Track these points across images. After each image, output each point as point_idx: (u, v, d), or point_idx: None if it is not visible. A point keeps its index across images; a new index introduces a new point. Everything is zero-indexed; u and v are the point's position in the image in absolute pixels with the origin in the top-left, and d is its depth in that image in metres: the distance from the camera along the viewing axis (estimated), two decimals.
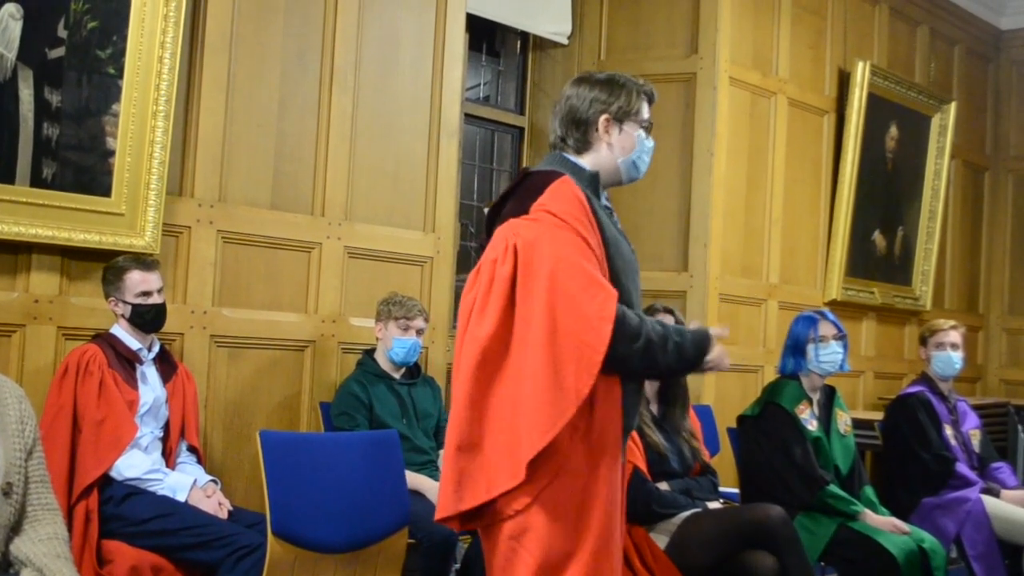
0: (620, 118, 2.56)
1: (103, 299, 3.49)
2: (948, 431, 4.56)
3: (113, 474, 3.29)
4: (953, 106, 7.02)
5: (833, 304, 6.15)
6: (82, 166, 3.55)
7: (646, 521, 3.44)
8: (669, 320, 4.08)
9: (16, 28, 3.39)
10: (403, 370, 4.11)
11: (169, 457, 3.49)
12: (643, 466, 3.51)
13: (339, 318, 4.31)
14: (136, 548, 3.19)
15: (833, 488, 3.90)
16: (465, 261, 5.38)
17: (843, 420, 4.14)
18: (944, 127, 7.01)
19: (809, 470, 3.90)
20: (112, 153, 3.61)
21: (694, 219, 5.53)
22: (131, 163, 3.63)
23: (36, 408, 2.73)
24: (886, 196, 6.68)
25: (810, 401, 4.06)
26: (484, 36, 5.79)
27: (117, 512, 3.24)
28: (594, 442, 2.35)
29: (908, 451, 4.51)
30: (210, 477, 3.53)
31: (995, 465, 4.68)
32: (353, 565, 3.36)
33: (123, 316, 3.45)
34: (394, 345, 4.01)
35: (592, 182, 2.55)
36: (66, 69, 3.50)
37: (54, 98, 3.48)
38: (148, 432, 3.42)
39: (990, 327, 7.82)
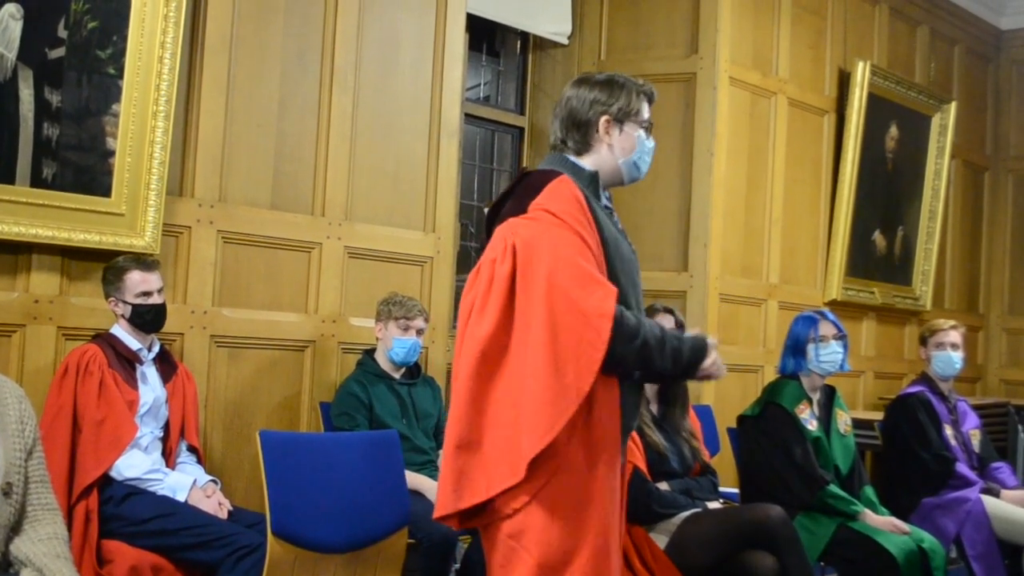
0: (620, 119, 2.57)
1: (103, 299, 3.49)
2: (948, 431, 4.56)
3: (113, 474, 3.29)
4: (953, 106, 7.03)
5: (833, 304, 6.15)
6: (82, 166, 3.55)
7: (646, 521, 3.44)
8: (669, 320, 4.09)
9: (16, 28, 3.39)
10: (403, 370, 4.11)
11: (169, 457, 3.49)
12: (643, 466, 3.51)
13: (339, 318, 4.31)
14: (136, 548, 3.19)
15: (833, 488, 3.90)
16: (465, 261, 5.38)
17: (843, 420, 4.14)
18: (944, 127, 7.01)
19: (809, 470, 3.90)
20: (112, 153, 3.61)
21: (694, 219, 5.53)
22: (131, 163, 3.63)
23: (36, 408, 2.73)
24: (886, 196, 6.68)
25: (810, 401, 4.06)
26: (484, 36, 5.79)
27: (117, 512, 3.24)
28: (592, 441, 2.36)
29: (908, 451, 4.51)
30: (210, 477, 3.53)
31: (995, 465, 4.68)
32: (353, 565, 3.36)
33: (123, 316, 3.45)
34: (394, 345, 4.01)
35: (592, 182, 2.55)
36: (66, 69, 3.50)
37: (54, 98, 3.48)
38: (148, 432, 3.42)
39: (990, 327, 7.82)
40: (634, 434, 3.36)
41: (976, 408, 5.01)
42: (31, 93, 3.43)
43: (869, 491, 4.09)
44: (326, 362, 4.26)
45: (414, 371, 4.16)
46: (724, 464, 4.65)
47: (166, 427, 3.50)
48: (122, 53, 3.61)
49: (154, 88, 3.66)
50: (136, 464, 3.32)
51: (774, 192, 5.95)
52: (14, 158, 3.40)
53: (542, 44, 5.96)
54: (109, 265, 3.50)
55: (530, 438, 2.29)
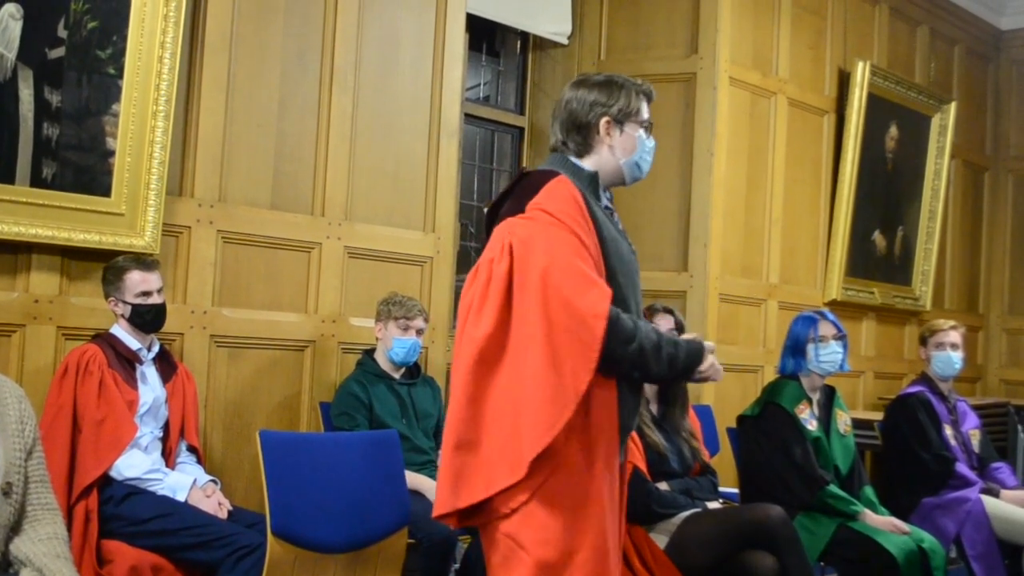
0: (621, 120, 2.58)
1: (103, 299, 3.49)
2: (948, 431, 4.56)
3: (113, 474, 3.29)
4: (953, 106, 7.03)
5: (833, 304, 6.15)
6: (82, 166, 3.55)
7: (646, 521, 3.44)
8: (669, 320, 4.09)
9: (16, 28, 3.39)
10: (403, 370, 4.11)
11: (169, 457, 3.49)
12: (643, 466, 3.51)
13: (339, 318, 4.31)
14: (136, 548, 3.19)
15: (833, 488, 3.90)
16: (465, 261, 5.38)
17: (843, 420, 4.14)
18: (944, 127, 7.01)
19: (809, 470, 3.90)
20: (112, 153, 3.61)
21: (694, 219, 5.53)
22: (131, 163, 3.63)
23: (36, 408, 2.74)
24: (886, 196, 6.68)
25: (810, 401, 4.06)
26: (484, 36, 5.79)
27: (117, 512, 3.24)
28: (590, 441, 2.36)
29: (908, 451, 4.51)
30: (210, 477, 3.53)
31: (995, 465, 4.68)
32: (353, 565, 3.36)
33: (123, 316, 3.45)
34: (394, 345, 4.01)
35: (592, 183, 2.56)
36: (66, 69, 3.50)
37: (54, 98, 3.48)
38: (148, 432, 3.42)
39: (990, 327, 7.82)
40: (634, 434, 3.35)
41: (976, 408, 5.01)
42: (31, 93, 3.43)
43: (869, 491, 4.09)
44: (326, 362, 4.26)
45: (414, 371, 4.17)
46: (724, 464, 4.65)
47: (166, 427, 3.50)
48: (122, 53, 3.61)
49: (154, 88, 3.66)
50: (136, 464, 3.32)
51: (774, 192, 5.95)
52: (14, 158, 3.40)
53: (542, 44, 5.96)
54: (109, 265, 3.50)
55: (531, 437, 2.29)
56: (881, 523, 3.91)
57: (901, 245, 6.87)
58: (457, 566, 3.84)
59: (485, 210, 2.76)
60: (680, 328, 4.00)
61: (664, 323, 4.06)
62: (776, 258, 5.98)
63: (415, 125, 4.57)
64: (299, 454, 3.33)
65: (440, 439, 3.86)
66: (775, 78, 5.94)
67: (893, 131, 6.67)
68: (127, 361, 3.42)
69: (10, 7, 3.36)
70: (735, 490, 4.30)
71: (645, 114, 2.62)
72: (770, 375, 5.48)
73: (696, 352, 2.48)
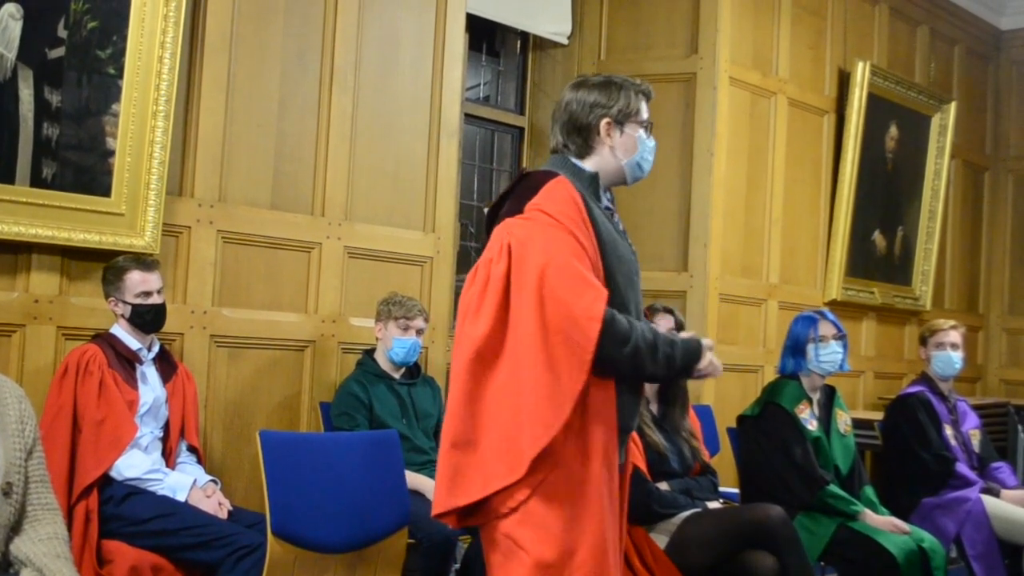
0: (621, 120, 2.58)
1: (103, 299, 3.49)
2: (948, 431, 4.56)
3: (113, 474, 3.29)
4: (953, 106, 7.03)
5: (833, 304, 6.15)
6: (82, 166, 3.55)
7: (646, 521, 3.44)
8: (669, 320, 4.09)
9: (16, 28, 3.39)
10: (403, 370, 4.11)
11: (169, 457, 3.49)
12: (643, 466, 3.51)
13: (339, 318, 4.31)
14: (136, 548, 3.19)
15: (833, 488, 3.90)
16: (465, 261, 5.38)
17: (843, 420, 4.14)
18: (944, 127, 7.01)
19: (809, 470, 3.90)
20: (112, 153, 3.61)
21: (694, 219, 5.53)
22: (131, 163, 3.63)
23: (36, 408, 2.73)
24: (886, 196, 6.68)
25: (810, 401, 4.06)
26: (484, 36, 5.79)
27: (117, 512, 3.24)
28: (588, 440, 2.37)
29: (908, 451, 4.51)
30: (210, 477, 3.53)
31: (995, 465, 4.68)
32: (353, 565, 3.36)
33: (123, 316, 3.45)
34: (394, 345, 4.01)
35: (592, 183, 2.57)
36: (66, 69, 3.50)
37: (54, 98, 3.48)
38: (148, 432, 3.42)
39: (990, 327, 7.82)
40: (634, 434, 3.36)
41: (976, 408, 5.01)
42: (31, 93, 3.43)
43: (869, 491, 4.09)
44: (326, 362, 4.26)
45: (414, 371, 4.17)
46: (724, 464, 4.65)
47: (166, 427, 3.50)
48: (122, 53, 3.61)
49: (154, 88, 3.66)
50: (136, 464, 3.32)
51: (774, 192, 5.95)
52: (14, 158, 3.40)
53: (542, 44, 5.96)
54: (109, 265, 3.50)
55: (529, 437, 2.30)
56: (881, 523, 3.91)
57: (901, 245, 6.87)
58: (457, 566, 3.84)
59: (485, 210, 2.77)
60: (680, 328, 4.00)
61: (664, 323, 4.07)
62: (776, 258, 5.98)
63: (415, 125, 4.57)
64: (299, 454, 3.33)
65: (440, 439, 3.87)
66: (775, 78, 5.94)
67: (893, 131, 6.67)
68: (127, 361, 3.42)
69: (10, 7, 3.36)
70: (735, 490, 4.30)
71: (645, 114, 2.62)
72: (770, 375, 5.48)
73: (694, 350, 2.49)
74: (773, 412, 4.00)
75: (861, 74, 6.29)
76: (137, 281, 3.43)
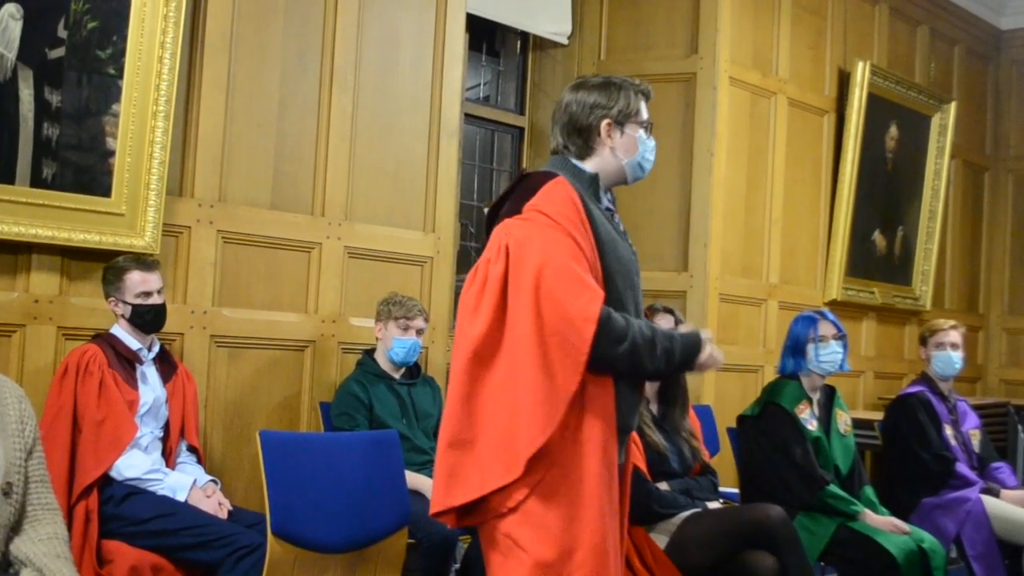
0: (621, 121, 2.58)
1: (103, 299, 3.49)
2: (948, 431, 4.56)
3: (113, 474, 3.29)
4: (953, 106, 7.03)
5: (833, 304, 6.15)
6: (82, 166, 3.55)
7: (646, 521, 3.44)
8: (669, 320, 4.09)
9: (16, 28, 3.39)
10: (403, 370, 4.11)
11: (169, 457, 3.49)
12: (643, 466, 3.51)
13: (339, 318, 4.31)
14: (136, 548, 3.19)
15: (833, 488, 3.90)
16: (465, 261, 5.38)
17: (843, 420, 4.14)
18: (944, 127, 7.01)
19: (809, 470, 3.90)
20: (112, 153, 3.61)
21: (694, 219, 5.53)
22: (131, 163, 3.63)
23: (36, 408, 2.73)
24: (886, 196, 6.68)
25: (810, 401, 4.06)
26: (484, 36, 5.79)
27: (117, 512, 3.24)
28: (586, 440, 2.37)
29: (908, 451, 4.51)
30: (210, 477, 3.53)
31: (995, 465, 4.68)
32: (353, 565, 3.36)
33: (123, 316, 3.45)
34: (394, 345, 4.01)
35: (592, 184, 2.57)
36: (66, 69, 3.50)
37: (54, 98, 3.48)
38: (148, 432, 3.42)
39: (990, 327, 7.82)
40: (634, 434, 3.36)
41: (976, 408, 5.01)
42: (31, 93, 3.43)
43: (869, 491, 4.09)
44: (326, 362, 4.26)
45: (414, 371, 4.17)
46: (724, 464, 4.65)
47: (166, 427, 3.50)
48: (122, 53, 3.61)
49: (154, 88, 3.66)
50: (136, 464, 3.32)
51: (774, 192, 5.95)
52: (14, 158, 3.40)
53: (542, 44, 5.96)
54: (109, 265, 3.50)
55: (526, 437, 2.31)
56: (881, 523, 3.91)
57: (901, 245, 6.87)
58: (457, 566, 3.84)
59: (485, 210, 2.77)
60: None
61: (664, 323, 4.07)
62: (776, 258, 5.98)
63: (415, 125, 4.57)
64: (299, 454, 3.33)
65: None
66: (775, 78, 5.94)
67: (893, 131, 6.67)
68: (127, 361, 3.42)
69: (10, 7, 3.36)
70: (735, 490, 4.30)
71: (644, 114, 2.63)
72: (770, 375, 5.48)
73: (693, 344, 2.49)
74: (773, 412, 4.00)
75: (861, 74, 6.29)
76: (137, 281, 3.43)
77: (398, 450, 3.56)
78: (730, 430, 4.41)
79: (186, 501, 3.34)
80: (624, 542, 2.64)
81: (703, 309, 5.46)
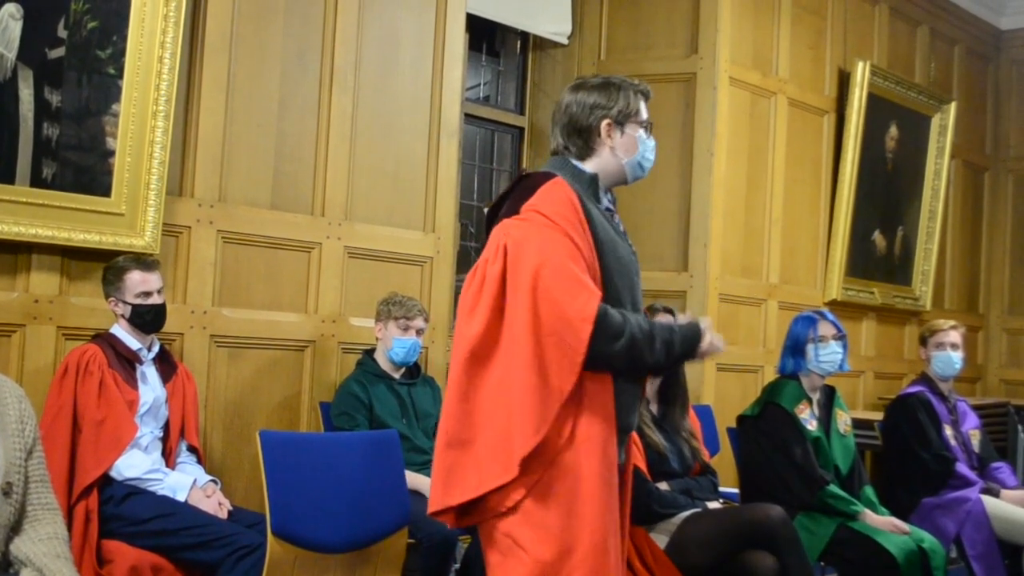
0: (621, 121, 2.59)
1: (103, 299, 3.49)
2: (948, 431, 4.56)
3: (113, 474, 3.29)
4: (953, 106, 7.02)
5: (833, 304, 6.15)
6: (82, 166, 3.55)
7: (646, 521, 3.44)
8: (669, 320, 4.08)
9: (16, 28, 3.39)
10: (403, 370, 4.11)
11: (169, 457, 3.49)
12: (643, 466, 3.51)
13: (339, 318, 4.31)
14: (136, 548, 3.19)
15: (833, 488, 3.90)
16: (465, 261, 5.38)
17: (843, 420, 4.15)
18: (944, 127, 7.01)
19: (809, 470, 3.90)
20: (112, 153, 3.61)
21: (694, 219, 5.53)
22: (131, 163, 3.63)
23: (36, 408, 2.73)
24: (886, 196, 6.68)
25: (810, 401, 4.06)
26: (484, 36, 5.79)
27: (117, 512, 3.24)
28: (585, 438, 2.37)
29: (908, 451, 4.51)
30: (210, 477, 3.53)
31: (995, 465, 4.68)
32: (353, 565, 3.36)
33: (123, 316, 3.45)
34: (394, 345, 4.01)
35: (592, 184, 2.57)
36: (66, 69, 3.50)
37: (54, 98, 3.48)
38: (148, 432, 3.42)
39: (990, 327, 7.82)
40: (634, 434, 3.36)
41: (976, 408, 5.01)
42: (31, 93, 3.43)
43: (869, 491, 4.09)
44: (326, 362, 4.26)
45: (414, 371, 4.17)
46: (724, 464, 4.65)
47: (166, 427, 3.50)
48: (122, 53, 3.61)
49: (154, 88, 3.66)
50: (136, 464, 3.32)
51: (774, 192, 5.95)
52: (14, 158, 3.40)
53: (542, 44, 5.96)
54: (109, 265, 3.50)
55: (520, 437, 2.32)
56: (881, 523, 3.91)
57: (901, 245, 6.87)
58: (457, 566, 3.84)
59: (485, 210, 2.77)
60: None
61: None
62: (776, 258, 5.98)
63: (415, 125, 4.57)
64: (299, 454, 3.33)
65: None
66: (775, 78, 5.94)
67: (893, 131, 6.67)
68: (127, 361, 3.42)
69: (10, 7, 3.36)
70: (735, 490, 4.30)
71: (644, 114, 2.63)
72: (770, 375, 5.48)
73: (693, 333, 2.50)
74: (773, 412, 4.00)
75: (861, 74, 6.29)
76: (137, 281, 3.43)
77: (398, 450, 3.57)
78: (730, 430, 4.41)
79: (186, 501, 3.34)
80: (625, 542, 2.65)
81: (703, 309, 5.46)
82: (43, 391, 3.35)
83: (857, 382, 6.60)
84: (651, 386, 3.73)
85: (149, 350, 3.51)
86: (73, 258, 3.59)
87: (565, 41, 5.86)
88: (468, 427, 2.38)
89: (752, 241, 5.83)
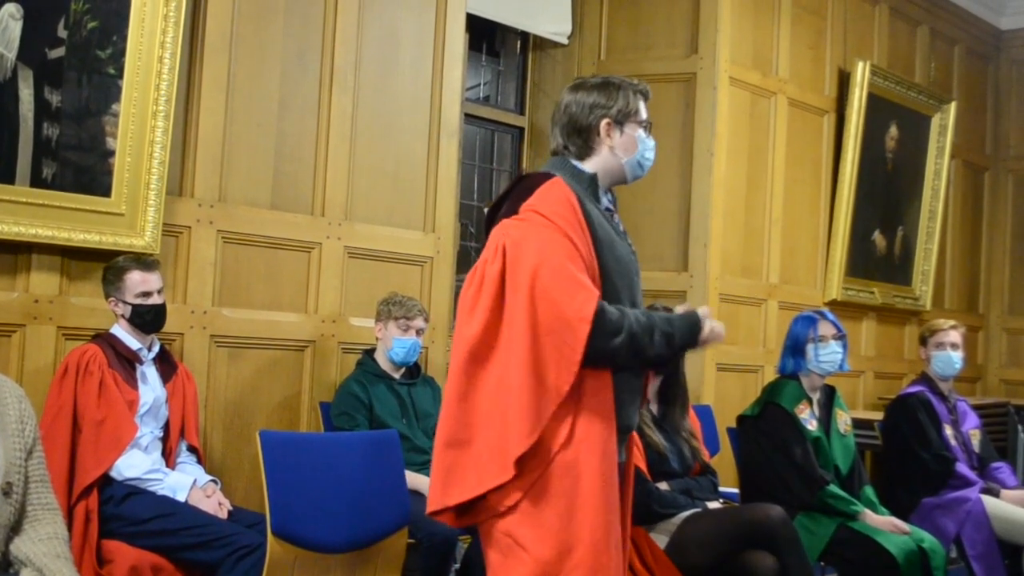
0: (621, 120, 2.59)
1: (103, 299, 3.49)
2: (948, 431, 4.56)
3: (113, 474, 3.29)
4: (953, 106, 7.02)
5: (833, 304, 6.15)
6: (82, 166, 3.55)
7: (646, 521, 3.44)
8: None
9: (16, 28, 3.39)
10: (403, 370, 4.11)
11: (169, 457, 3.49)
12: (643, 466, 3.51)
13: (339, 318, 4.31)
14: (136, 548, 3.19)
15: (833, 488, 3.90)
16: (465, 261, 5.38)
17: (843, 420, 4.15)
18: (944, 127, 7.01)
19: (809, 470, 3.90)
20: (112, 153, 3.61)
21: (694, 219, 5.53)
22: (131, 163, 3.63)
23: (36, 408, 2.73)
24: (886, 196, 6.68)
25: (810, 401, 4.06)
26: (484, 36, 5.79)
27: (117, 512, 3.24)
28: (584, 437, 2.37)
29: (908, 451, 4.51)
30: (210, 477, 3.53)
31: (995, 465, 4.68)
32: (353, 565, 3.36)
33: (123, 316, 3.45)
34: (394, 345, 4.01)
35: (591, 184, 2.58)
36: (66, 69, 3.50)
37: (54, 98, 3.48)
38: (148, 432, 3.42)
39: (990, 327, 7.82)
40: (634, 434, 3.36)
41: (976, 408, 5.01)
42: (31, 93, 3.43)
43: (869, 491, 4.09)
44: (326, 362, 4.26)
45: (414, 371, 4.17)
46: (724, 464, 4.65)
47: (166, 427, 3.50)
48: (122, 53, 3.61)
49: (154, 88, 3.66)
50: (136, 464, 3.32)
51: (774, 192, 5.95)
52: (14, 158, 3.40)
53: (542, 44, 5.96)
54: (109, 265, 3.50)
55: (515, 437, 2.32)
56: (881, 523, 3.91)
57: (901, 245, 6.87)
58: (457, 566, 3.84)
59: (485, 210, 2.78)
60: None
61: None
62: (776, 258, 5.98)
63: (415, 125, 4.57)
64: (299, 454, 3.33)
65: None
66: (775, 78, 5.94)
67: (893, 131, 6.67)
68: (127, 361, 3.42)
69: (10, 7, 3.36)
70: (735, 490, 4.30)
71: (644, 114, 2.64)
72: (770, 375, 5.48)
73: (692, 324, 2.52)
74: (773, 412, 4.01)
75: (861, 74, 6.29)
76: (137, 281, 3.43)
77: (398, 450, 3.57)
78: (730, 430, 4.41)
79: (186, 501, 3.34)
80: (627, 541, 2.65)
81: None
82: (43, 391, 3.35)
83: (857, 382, 6.60)
84: (651, 386, 3.73)
85: (149, 350, 3.51)
86: (73, 258, 3.59)
87: (565, 41, 5.86)
88: (467, 427, 2.39)
89: (752, 241, 5.83)
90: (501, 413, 2.35)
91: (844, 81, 6.37)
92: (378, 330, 4.09)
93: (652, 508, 3.49)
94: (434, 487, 2.44)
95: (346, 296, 4.33)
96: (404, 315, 4.02)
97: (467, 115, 5.41)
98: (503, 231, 2.45)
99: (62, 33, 3.48)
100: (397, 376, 4.08)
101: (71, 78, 3.51)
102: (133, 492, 3.28)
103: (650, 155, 2.65)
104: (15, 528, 2.49)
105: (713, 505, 3.66)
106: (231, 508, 3.43)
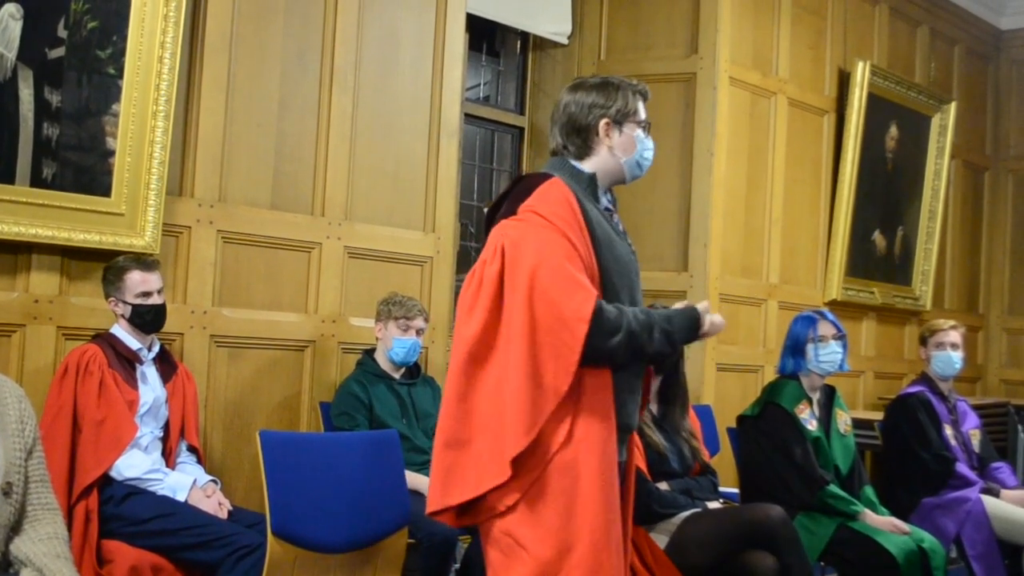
0: (619, 120, 2.60)
1: (103, 299, 3.49)
2: (948, 431, 4.56)
3: (113, 474, 3.29)
4: (953, 106, 7.02)
5: (833, 304, 6.15)
6: (82, 166, 3.55)
7: (646, 521, 3.44)
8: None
9: (16, 28, 3.39)
10: (403, 370, 4.11)
11: (169, 457, 3.49)
12: (643, 466, 3.51)
13: (339, 318, 4.31)
14: (136, 548, 3.19)
15: (833, 488, 3.90)
16: (465, 261, 5.39)
17: (843, 420, 4.15)
18: (944, 127, 7.01)
19: (809, 470, 3.90)
20: (112, 153, 3.61)
21: (694, 219, 5.53)
22: (131, 163, 3.63)
23: (36, 408, 2.73)
24: (886, 196, 6.68)
25: (810, 401, 4.06)
26: (484, 36, 5.79)
27: (117, 512, 3.24)
28: (583, 438, 2.38)
29: (908, 451, 4.51)
30: (210, 477, 3.53)
31: (995, 465, 4.68)
32: (353, 565, 3.36)
33: (123, 316, 3.45)
34: (394, 345, 4.02)
35: (590, 184, 2.58)
36: (66, 69, 3.50)
37: (54, 98, 3.48)
38: (148, 432, 3.42)
39: (990, 327, 7.82)
40: (634, 434, 3.36)
41: (976, 408, 5.01)
42: (31, 93, 3.43)
43: (869, 491, 4.09)
44: (326, 362, 4.26)
45: (414, 371, 4.17)
46: (724, 464, 4.65)
47: (166, 427, 3.50)
48: (122, 53, 3.61)
49: (154, 88, 3.66)
50: (136, 464, 3.32)
51: (774, 192, 5.95)
52: (14, 158, 3.40)
53: (542, 44, 5.96)
54: (109, 265, 3.50)
55: (512, 437, 2.32)
56: (881, 523, 3.91)
57: (901, 245, 6.87)
58: (457, 566, 3.84)
59: (485, 210, 2.78)
60: None
61: None
62: (776, 258, 5.98)
63: (415, 125, 4.57)
64: (299, 454, 3.33)
65: None
66: (775, 78, 5.94)
67: (893, 131, 6.67)
68: (127, 361, 3.42)
69: (10, 7, 3.36)
70: (735, 490, 4.30)
71: (642, 114, 2.64)
72: (770, 375, 5.48)
73: (692, 319, 2.52)
74: (773, 412, 4.01)
75: (861, 74, 6.29)
76: (137, 281, 3.43)
77: (398, 450, 3.57)
78: (730, 430, 4.41)
79: (186, 501, 3.34)
80: (628, 541, 2.65)
81: None
82: (43, 391, 3.35)
83: (857, 382, 6.60)
84: (651, 386, 3.73)
85: (149, 350, 3.51)
86: (73, 258, 3.59)
87: (565, 41, 5.86)
88: (466, 427, 2.39)
89: (752, 241, 5.83)
90: (500, 413, 2.35)
91: (844, 81, 6.37)
92: (378, 330, 4.09)
93: (652, 508, 3.49)
94: (434, 487, 2.44)
95: (346, 296, 4.33)
96: (404, 315, 4.02)
97: (467, 115, 5.41)
98: (502, 231, 2.45)
99: (62, 33, 3.48)
100: (397, 376, 4.08)
101: (71, 78, 3.51)
102: (133, 492, 3.28)
103: (649, 155, 2.66)
104: (15, 528, 2.49)
105: (713, 505, 3.66)
106: (231, 508, 3.43)
